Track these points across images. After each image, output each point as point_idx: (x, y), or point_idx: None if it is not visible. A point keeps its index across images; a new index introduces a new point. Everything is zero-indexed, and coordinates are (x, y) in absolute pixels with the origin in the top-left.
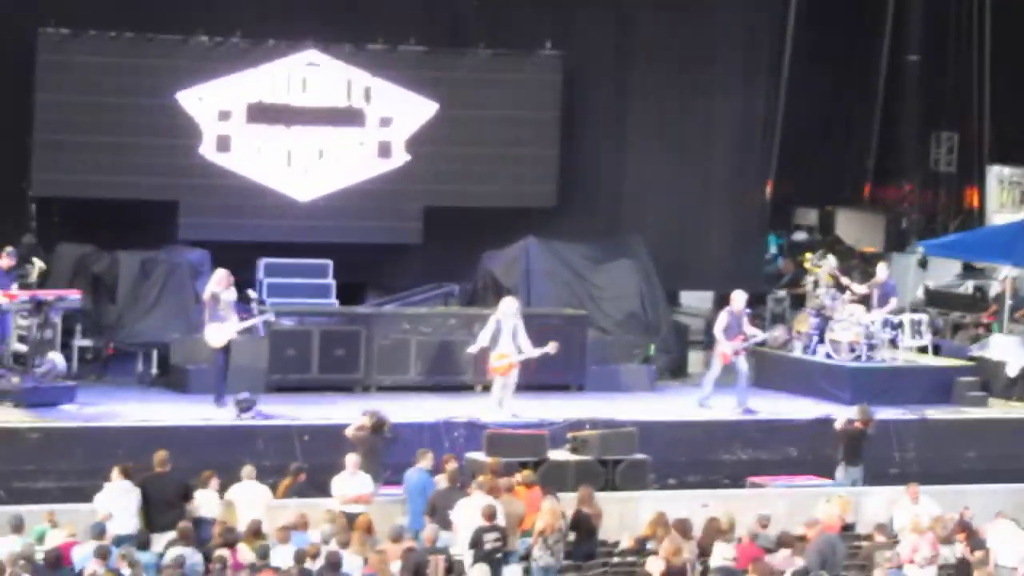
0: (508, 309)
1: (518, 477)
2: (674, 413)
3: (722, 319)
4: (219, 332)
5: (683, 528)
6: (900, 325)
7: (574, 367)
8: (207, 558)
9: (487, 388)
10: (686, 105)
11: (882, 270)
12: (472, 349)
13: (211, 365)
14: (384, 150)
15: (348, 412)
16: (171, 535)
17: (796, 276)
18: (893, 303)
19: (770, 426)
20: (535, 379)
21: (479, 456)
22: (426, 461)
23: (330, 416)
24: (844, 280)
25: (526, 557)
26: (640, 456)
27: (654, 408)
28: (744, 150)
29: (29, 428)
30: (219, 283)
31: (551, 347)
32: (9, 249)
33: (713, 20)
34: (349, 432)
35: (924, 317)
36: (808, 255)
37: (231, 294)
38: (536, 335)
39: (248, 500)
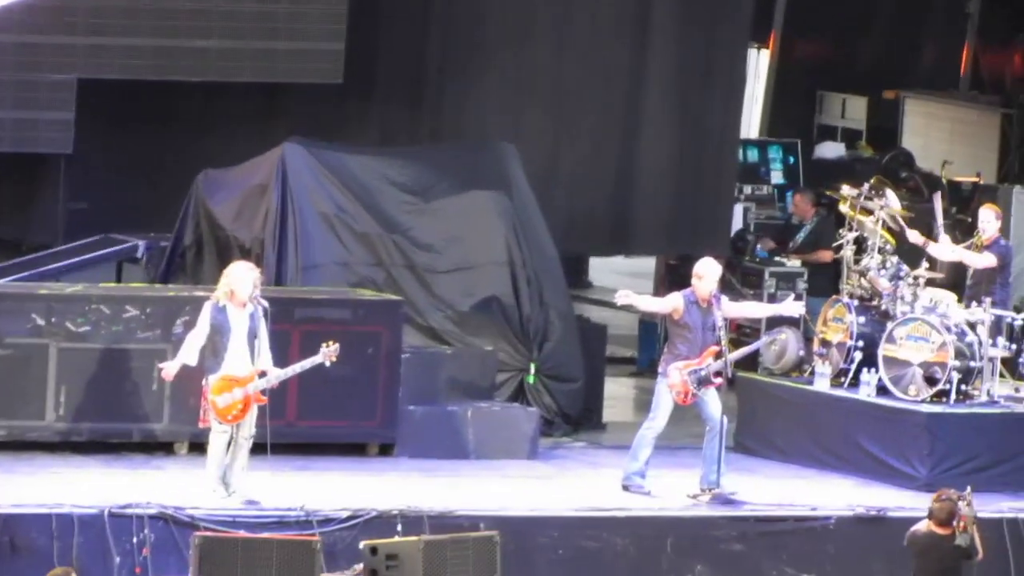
0: (243, 287)
1: None
2: (576, 502)
3: (671, 309)
4: None
5: None
6: None
7: (374, 407)
8: None
9: (199, 447)
10: None
11: (988, 217)
12: (167, 367)
13: None
14: None
15: None
16: None
17: (820, 229)
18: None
19: (769, 527)
20: (298, 431)
21: None
22: None
23: None
24: (919, 237)
25: None
26: None
27: (536, 492)
28: None
29: None
30: None
31: (326, 354)
32: None
33: None
34: None
35: None
36: (847, 188)
37: None
38: (299, 342)
39: None
